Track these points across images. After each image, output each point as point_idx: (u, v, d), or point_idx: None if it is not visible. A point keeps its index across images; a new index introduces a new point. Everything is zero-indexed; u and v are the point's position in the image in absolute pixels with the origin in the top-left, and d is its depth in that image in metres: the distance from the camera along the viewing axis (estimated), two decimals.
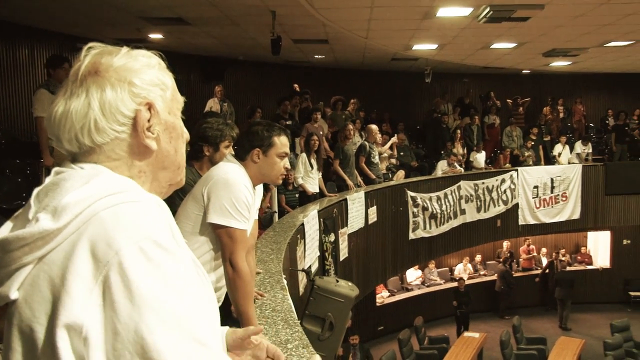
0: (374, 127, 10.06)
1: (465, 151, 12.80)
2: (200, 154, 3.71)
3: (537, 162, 13.80)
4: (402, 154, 11.72)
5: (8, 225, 1.01)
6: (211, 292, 1.10)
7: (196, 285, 0.99)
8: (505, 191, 12.99)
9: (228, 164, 2.77)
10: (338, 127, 10.14)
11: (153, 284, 0.90)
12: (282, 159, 2.78)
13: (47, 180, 1.03)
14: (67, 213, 0.94)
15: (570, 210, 13.89)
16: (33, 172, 6.92)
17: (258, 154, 2.74)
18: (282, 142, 2.77)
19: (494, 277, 15.08)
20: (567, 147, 14.09)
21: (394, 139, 11.16)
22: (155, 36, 10.44)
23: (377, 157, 9.91)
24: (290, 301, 3.63)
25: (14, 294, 0.96)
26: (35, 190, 1.01)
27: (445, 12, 8.39)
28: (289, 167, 2.85)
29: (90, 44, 1.11)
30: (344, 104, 11.23)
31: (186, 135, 1.19)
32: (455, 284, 14.66)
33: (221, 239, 2.67)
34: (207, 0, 7.79)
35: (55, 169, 1.05)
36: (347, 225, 8.25)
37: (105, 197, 0.96)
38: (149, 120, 1.07)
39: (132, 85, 1.06)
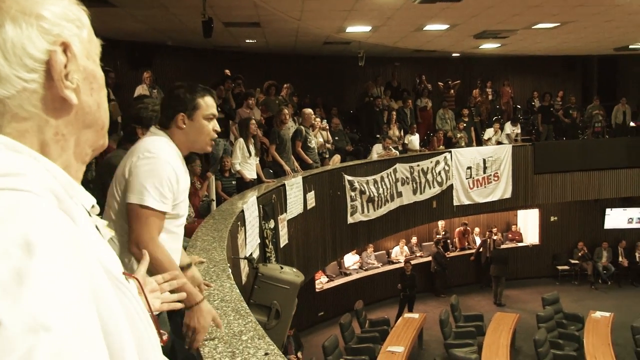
0: (309, 111, 9.95)
1: (402, 134, 12.85)
2: (134, 136, 3.48)
3: (469, 144, 14.05)
4: (336, 138, 11.65)
5: None
6: (131, 306, 0.82)
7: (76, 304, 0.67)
8: (439, 173, 13.15)
9: (151, 138, 2.47)
10: (272, 112, 9.96)
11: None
12: (210, 121, 2.48)
13: None
14: None
15: (502, 189, 14.23)
16: None
17: (183, 119, 2.45)
18: (207, 103, 2.48)
19: (430, 258, 15.31)
20: (499, 131, 14.38)
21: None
22: None
23: (313, 141, 9.80)
24: (238, 290, 3.47)
25: None
26: None
27: None
28: (219, 129, 2.56)
29: None
30: (276, 89, 11.05)
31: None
32: (392, 267, 14.84)
33: (129, 219, 2.34)
34: None
35: None
36: (286, 212, 8.10)
37: None
38: (65, 66, 0.82)
39: (41, 18, 0.80)
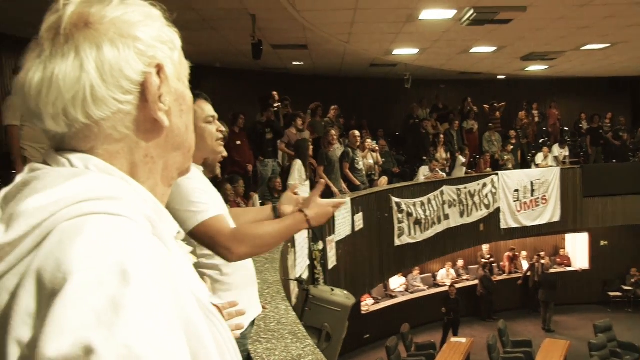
0: (356, 132, 9.95)
1: (449, 155, 12.75)
2: None
3: (516, 166, 13.85)
4: (383, 160, 11.62)
5: None
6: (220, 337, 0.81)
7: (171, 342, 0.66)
8: (487, 195, 12.97)
9: None
10: (318, 133, 10.00)
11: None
12: (209, 124, 2.38)
13: (18, 177, 0.77)
14: (20, 223, 0.68)
15: (551, 212, 13.93)
16: (5, 184, 6.63)
17: None
18: (201, 107, 2.36)
19: (476, 281, 15.06)
20: (549, 155, 14.12)
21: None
22: None
23: (360, 163, 9.80)
24: (294, 313, 3.46)
25: None
26: (2, 192, 0.76)
27: (428, 14, 8.33)
28: (224, 129, 2.50)
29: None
30: (323, 110, 11.12)
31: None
32: (438, 290, 14.65)
33: (202, 241, 2.19)
34: (185, 4, 7.58)
35: (29, 165, 0.79)
36: (334, 233, 8.10)
37: (74, 204, 0.69)
38: (159, 88, 0.82)
39: (138, 40, 0.81)
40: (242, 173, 7.95)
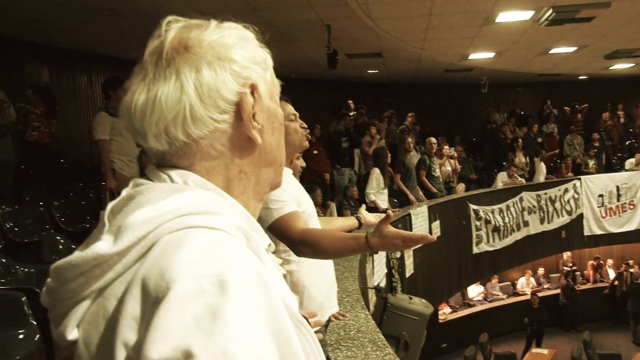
0: (432, 139, 9.85)
1: (528, 160, 12.41)
2: None
3: (600, 170, 13.29)
4: (460, 166, 11.46)
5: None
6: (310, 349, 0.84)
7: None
8: (568, 201, 12.50)
9: None
10: (393, 141, 9.98)
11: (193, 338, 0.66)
12: (292, 122, 2.45)
13: (124, 192, 0.83)
14: (127, 235, 0.73)
15: (639, 219, 13.26)
16: (96, 196, 6.98)
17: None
18: (282, 107, 2.47)
19: (558, 290, 14.55)
20: None
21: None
22: None
23: (437, 170, 9.70)
24: (373, 321, 3.46)
25: (71, 334, 0.76)
26: (110, 205, 0.81)
27: (505, 16, 8.15)
28: (305, 125, 2.53)
29: (169, 18, 0.90)
30: (398, 118, 11.09)
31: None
32: (518, 299, 14.25)
33: (277, 235, 2.26)
34: (262, 18, 7.76)
35: (134, 180, 0.85)
36: None
37: (177, 218, 0.74)
38: (252, 107, 0.87)
39: (233, 62, 0.86)
40: (320, 182, 8.03)
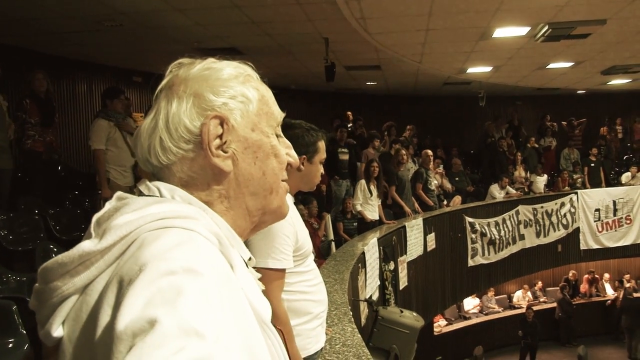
0: (429, 152, 9.89)
1: (528, 174, 12.46)
2: None
3: (597, 184, 13.30)
4: (457, 179, 11.49)
5: None
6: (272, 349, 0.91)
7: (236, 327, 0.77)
8: (565, 215, 12.53)
9: None
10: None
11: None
12: (321, 165, 2.49)
13: (108, 205, 0.88)
14: (111, 234, 0.79)
15: (636, 233, 13.24)
16: (92, 204, 7.01)
17: (303, 162, 2.40)
18: (323, 147, 2.50)
19: (554, 304, 14.53)
20: (637, 175, 13.41)
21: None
22: None
23: (432, 183, 9.75)
24: (359, 335, 3.49)
25: (56, 331, 0.82)
26: (95, 217, 0.85)
27: (502, 32, 8.23)
28: (323, 172, 2.58)
29: (180, 60, 0.99)
30: (397, 129, 11.12)
31: (289, 158, 1.04)
32: (514, 312, 14.23)
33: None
34: (261, 30, 7.84)
35: (117, 194, 0.91)
36: (406, 253, 8.06)
37: (156, 220, 0.81)
38: (221, 137, 0.93)
39: (200, 97, 0.93)
40: (316, 193, 8.06)
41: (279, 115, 1.04)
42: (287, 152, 1.05)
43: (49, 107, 6.46)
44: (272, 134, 1.01)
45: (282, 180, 1.05)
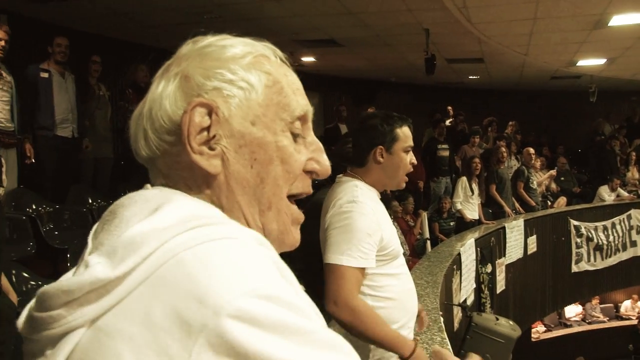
0: (531, 150, 9.41)
1: None
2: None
3: None
4: (562, 179, 10.87)
5: (68, 274, 0.69)
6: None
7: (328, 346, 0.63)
8: None
9: (348, 184, 2.20)
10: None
11: (277, 350, 0.58)
12: (407, 154, 2.26)
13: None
14: (130, 255, 0.62)
15: None
16: None
17: (381, 153, 2.21)
18: (405, 133, 2.24)
19: None
20: None
21: (552, 172, 10.33)
22: (308, 59, 10.53)
23: (535, 182, 9.27)
24: (450, 346, 3.27)
25: None
26: (95, 226, 0.72)
27: (620, 19, 7.60)
28: (415, 162, 2.32)
29: (197, 37, 0.81)
30: (498, 125, 10.69)
31: (314, 165, 0.82)
32: (622, 323, 13.39)
33: (326, 278, 2.06)
34: (360, 21, 7.71)
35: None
36: (504, 256, 7.70)
37: (185, 232, 0.63)
38: (208, 130, 0.73)
39: (188, 78, 0.74)
40: (412, 190, 7.83)
41: (300, 109, 0.81)
42: (311, 157, 0.81)
43: None
44: (282, 131, 0.78)
45: (292, 197, 0.81)
